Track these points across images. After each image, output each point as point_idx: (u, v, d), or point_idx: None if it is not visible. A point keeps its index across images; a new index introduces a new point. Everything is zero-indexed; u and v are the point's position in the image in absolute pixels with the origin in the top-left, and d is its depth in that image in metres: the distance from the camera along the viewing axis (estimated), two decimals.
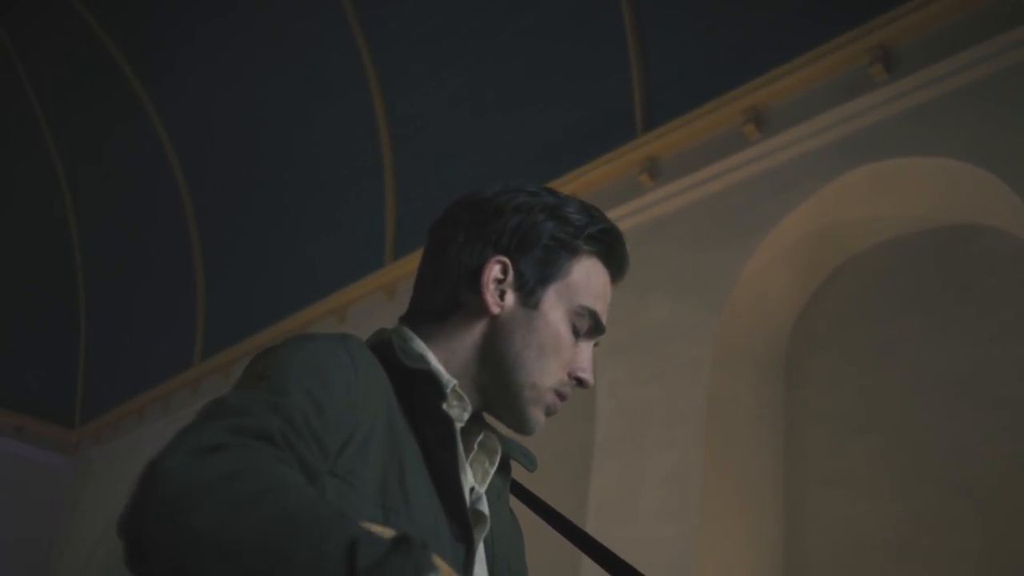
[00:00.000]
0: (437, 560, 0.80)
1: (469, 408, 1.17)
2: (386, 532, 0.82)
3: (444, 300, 1.20)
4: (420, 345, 1.18)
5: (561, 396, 1.21)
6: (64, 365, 9.40)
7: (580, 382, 1.22)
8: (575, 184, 5.62)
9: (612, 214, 5.35)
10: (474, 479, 1.18)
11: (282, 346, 1.04)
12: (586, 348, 1.23)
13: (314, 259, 7.47)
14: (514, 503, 1.32)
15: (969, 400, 4.10)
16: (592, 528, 4.59)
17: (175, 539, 0.75)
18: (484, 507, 1.16)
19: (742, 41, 5.12)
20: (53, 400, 9.36)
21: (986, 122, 4.08)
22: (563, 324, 1.19)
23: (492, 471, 1.20)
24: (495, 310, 1.18)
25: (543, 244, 1.19)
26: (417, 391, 1.12)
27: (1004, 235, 4.25)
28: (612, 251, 1.25)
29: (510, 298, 1.19)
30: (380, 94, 6.80)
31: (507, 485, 1.26)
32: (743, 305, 4.71)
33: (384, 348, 1.14)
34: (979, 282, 4.29)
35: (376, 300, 6.71)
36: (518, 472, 1.31)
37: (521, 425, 1.21)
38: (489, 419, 1.25)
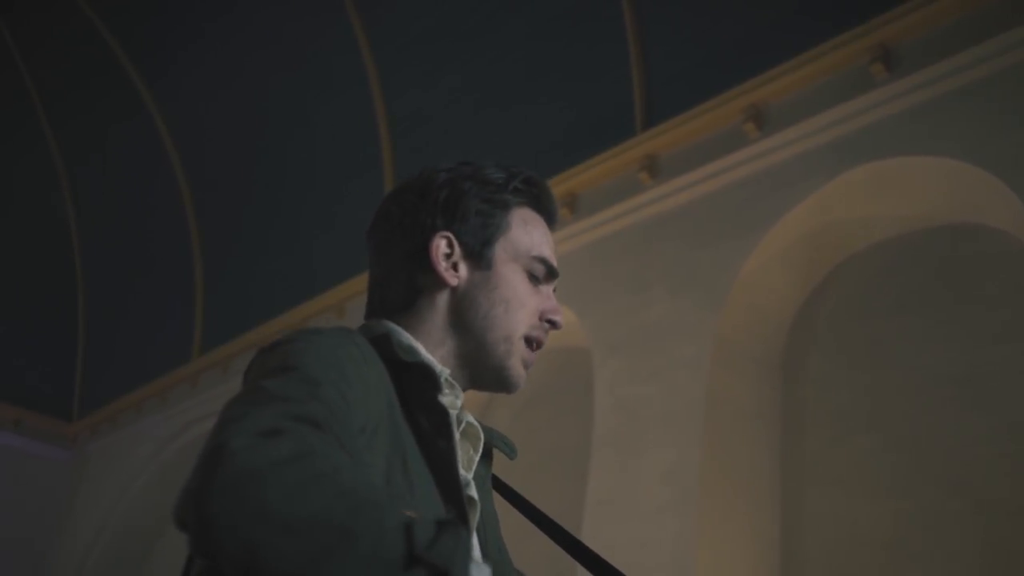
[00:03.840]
0: None
1: (460, 395, 1.22)
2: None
3: (403, 290, 1.26)
4: (408, 337, 1.23)
5: (537, 343, 1.27)
6: (63, 359, 9.40)
7: (552, 323, 1.28)
8: (574, 181, 5.62)
9: (611, 211, 5.38)
10: (461, 466, 1.21)
11: (294, 340, 1.07)
12: (548, 292, 1.29)
13: (313, 254, 7.47)
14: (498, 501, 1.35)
15: (968, 400, 4.10)
16: (590, 525, 4.59)
17: (245, 515, 0.78)
18: (473, 492, 1.21)
19: (742, 39, 5.12)
20: (51, 394, 9.36)
21: (986, 122, 4.09)
22: (518, 275, 1.26)
23: (476, 457, 1.24)
24: (453, 282, 1.24)
25: (475, 208, 1.26)
26: (413, 383, 1.16)
27: (1003, 235, 4.25)
28: (540, 197, 1.31)
29: (463, 267, 1.25)
30: (379, 90, 6.79)
31: (489, 472, 1.30)
32: (742, 303, 4.72)
33: (381, 342, 1.17)
34: (978, 282, 4.29)
35: None
36: (505, 470, 1.35)
37: (505, 381, 1.26)
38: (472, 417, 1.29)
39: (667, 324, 4.84)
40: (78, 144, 9.00)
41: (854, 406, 4.47)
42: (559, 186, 5.65)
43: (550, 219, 1.33)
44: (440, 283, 1.24)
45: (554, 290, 1.31)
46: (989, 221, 4.31)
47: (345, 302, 7.01)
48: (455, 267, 1.25)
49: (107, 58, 8.25)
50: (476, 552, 1.18)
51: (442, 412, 1.16)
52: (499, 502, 1.35)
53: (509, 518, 1.43)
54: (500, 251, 1.26)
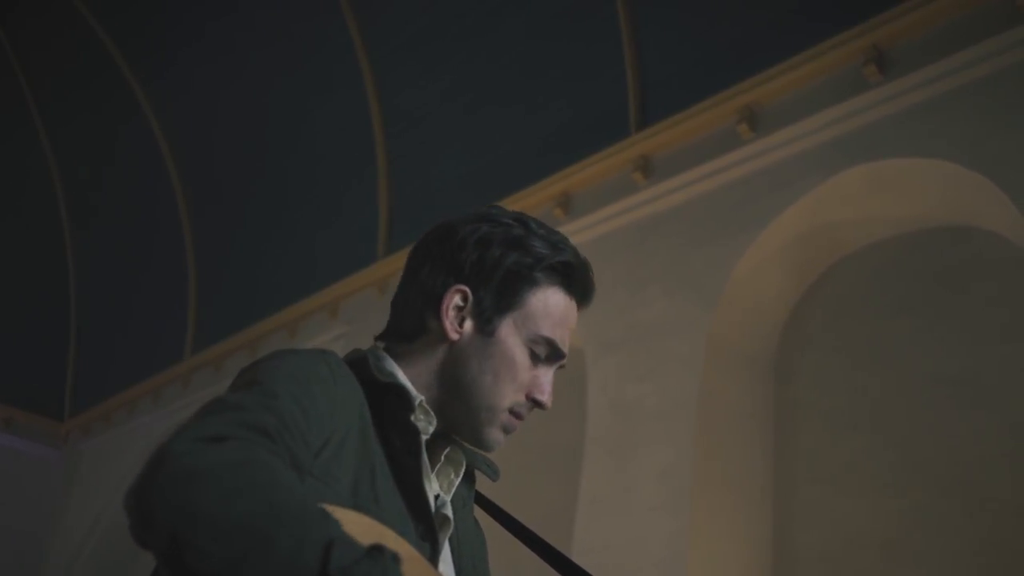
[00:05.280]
0: (412, 554, 0.90)
1: (434, 422, 1.25)
2: (371, 528, 0.90)
3: (412, 324, 1.28)
4: (391, 364, 1.26)
5: (517, 416, 1.28)
6: (54, 357, 9.37)
7: (537, 404, 1.28)
8: (569, 181, 5.62)
9: (605, 212, 5.38)
10: (440, 488, 1.26)
11: (267, 358, 1.12)
12: (547, 372, 1.29)
13: (306, 254, 7.46)
14: (481, 516, 1.39)
15: (959, 400, 4.11)
16: (583, 523, 4.60)
17: (178, 513, 0.84)
18: (448, 511, 1.25)
19: (736, 40, 5.13)
20: (43, 392, 9.32)
21: (979, 124, 4.10)
22: (519, 351, 1.26)
23: (457, 481, 1.28)
24: (453, 336, 1.26)
25: (500, 276, 1.26)
26: (387, 403, 1.20)
27: (996, 237, 4.26)
28: (573, 281, 1.30)
29: (468, 325, 1.26)
30: (374, 90, 6.78)
31: (471, 494, 1.34)
32: (736, 303, 4.72)
33: (359, 364, 1.22)
34: (970, 284, 4.30)
35: (368, 295, 6.70)
36: (500, 469, 1.37)
37: (479, 444, 1.29)
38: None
39: (661, 323, 4.85)
40: (72, 145, 8.98)
41: (848, 406, 4.48)
42: (553, 186, 5.65)
43: (581, 302, 1.33)
44: (443, 332, 1.26)
45: (562, 366, 1.31)
46: (983, 223, 4.32)
47: (339, 301, 7.00)
48: (462, 322, 1.26)
49: (103, 59, 8.23)
50: (448, 567, 1.23)
51: (413, 432, 1.20)
52: (490, 520, 1.38)
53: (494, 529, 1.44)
54: (509, 323, 1.26)
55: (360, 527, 0.91)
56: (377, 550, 0.84)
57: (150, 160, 8.34)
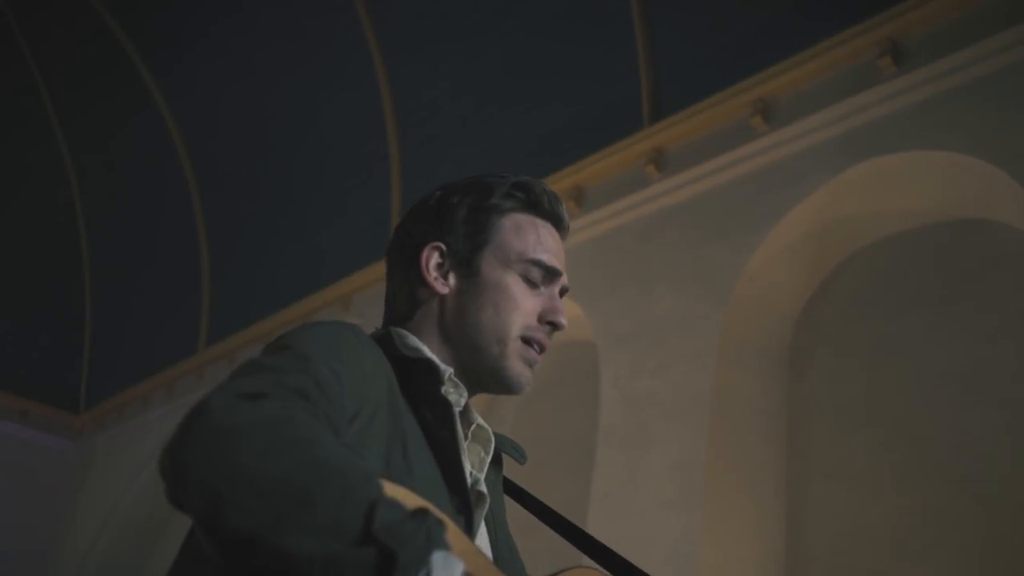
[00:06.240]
0: (450, 525, 0.85)
1: (465, 394, 1.24)
2: (408, 497, 0.87)
3: (406, 304, 1.29)
4: (415, 340, 1.25)
5: (537, 343, 1.26)
6: (69, 350, 9.42)
7: (553, 325, 1.27)
8: (581, 175, 5.61)
9: (618, 205, 5.37)
10: (471, 466, 1.24)
11: (296, 328, 1.11)
12: (551, 293, 1.28)
13: (319, 247, 7.47)
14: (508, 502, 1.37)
15: (972, 396, 4.09)
16: (595, 518, 4.59)
17: (217, 469, 0.81)
18: (483, 488, 1.22)
19: (750, 33, 5.10)
20: (58, 385, 9.38)
21: (994, 117, 4.07)
22: (510, 278, 1.26)
23: (488, 459, 1.26)
24: (443, 291, 1.26)
25: (463, 217, 1.27)
26: (416, 378, 1.18)
27: (1010, 230, 4.23)
28: (536, 201, 1.30)
29: (453, 276, 1.27)
30: (387, 85, 6.78)
31: (500, 477, 1.32)
32: (748, 297, 4.70)
33: (383, 340, 1.21)
34: (983, 278, 4.27)
35: (380, 289, 6.67)
36: (511, 463, 1.35)
37: (508, 383, 1.26)
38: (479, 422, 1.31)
39: (673, 318, 4.83)
40: (86, 138, 9.01)
41: (860, 401, 4.46)
42: (566, 179, 5.64)
43: (553, 221, 1.32)
44: (433, 293, 1.26)
45: (564, 290, 1.30)
46: (996, 216, 4.29)
47: (351, 295, 7.01)
48: (446, 276, 1.27)
49: (116, 52, 8.25)
50: (484, 543, 1.20)
51: (445, 404, 1.18)
52: (513, 507, 1.36)
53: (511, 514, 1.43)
54: (489, 257, 1.26)
55: (396, 495, 0.88)
56: (422, 512, 0.81)
57: (163, 154, 8.37)
